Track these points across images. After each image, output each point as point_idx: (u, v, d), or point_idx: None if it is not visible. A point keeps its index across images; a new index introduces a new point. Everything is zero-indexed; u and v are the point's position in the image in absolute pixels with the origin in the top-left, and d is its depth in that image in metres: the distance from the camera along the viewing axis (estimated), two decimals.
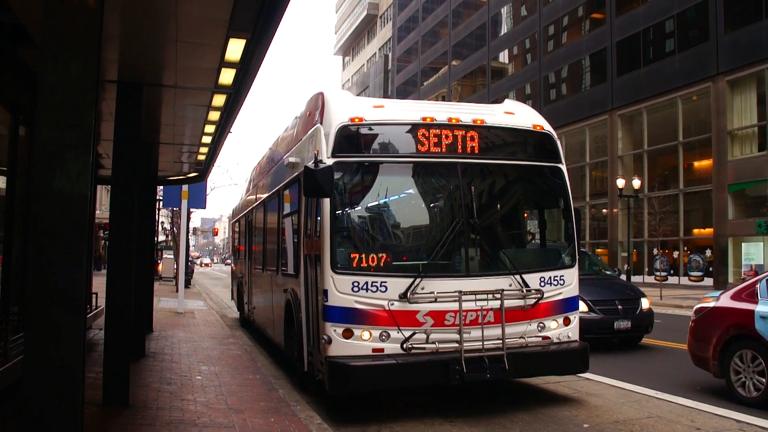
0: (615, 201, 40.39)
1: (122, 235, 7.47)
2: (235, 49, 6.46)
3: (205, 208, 21.55)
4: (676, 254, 37.30)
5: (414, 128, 8.20)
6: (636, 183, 34.48)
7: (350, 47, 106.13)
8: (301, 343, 8.72)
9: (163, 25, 6.02)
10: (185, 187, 19.78)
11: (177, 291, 24.75)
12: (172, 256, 38.55)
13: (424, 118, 8.25)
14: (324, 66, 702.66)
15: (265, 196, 12.93)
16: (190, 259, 39.67)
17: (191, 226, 43.78)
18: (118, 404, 7.24)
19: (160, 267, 37.53)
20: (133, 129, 7.60)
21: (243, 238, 17.47)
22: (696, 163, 37.60)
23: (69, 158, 3.65)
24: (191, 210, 22.62)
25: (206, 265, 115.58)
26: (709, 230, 35.54)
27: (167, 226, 41.04)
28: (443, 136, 8.21)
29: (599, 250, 41.68)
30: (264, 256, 13.05)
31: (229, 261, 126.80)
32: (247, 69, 6.94)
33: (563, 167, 8.95)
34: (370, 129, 8.11)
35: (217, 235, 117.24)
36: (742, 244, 33.40)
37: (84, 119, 3.66)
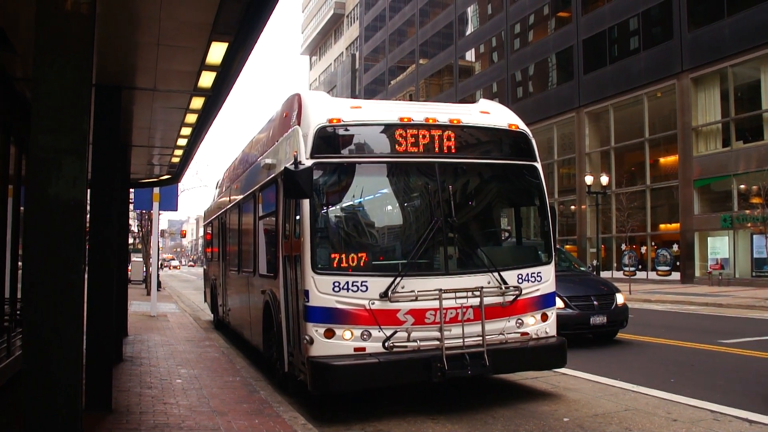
0: (583, 197, 40.90)
1: (103, 239, 7.41)
2: (216, 52, 6.46)
3: (176, 210, 21.42)
4: (643, 249, 37.89)
5: (391, 128, 8.24)
6: (604, 179, 34.91)
7: (317, 47, 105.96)
8: (281, 343, 8.74)
9: (145, 28, 6.00)
10: (156, 190, 19.59)
11: (148, 294, 24.57)
12: (140, 259, 38.13)
13: (401, 119, 8.30)
14: (291, 66, 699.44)
15: (240, 197, 12.85)
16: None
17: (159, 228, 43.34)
18: (101, 409, 7.18)
19: (129, 270, 36.99)
20: (112, 132, 7.55)
21: (217, 240, 17.29)
22: (662, 160, 38.23)
23: (65, 164, 3.64)
24: (159, 212, 22.50)
25: (175, 267, 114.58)
26: (675, 225, 36.14)
27: (134, 228, 40.49)
28: (420, 136, 8.26)
29: (568, 246, 42.09)
30: (240, 257, 12.96)
31: (192, 262, 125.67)
32: (228, 72, 6.94)
33: (539, 165, 9.08)
34: (348, 130, 8.14)
35: (185, 237, 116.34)
36: (708, 238, 34.04)
37: (79, 124, 3.66)
